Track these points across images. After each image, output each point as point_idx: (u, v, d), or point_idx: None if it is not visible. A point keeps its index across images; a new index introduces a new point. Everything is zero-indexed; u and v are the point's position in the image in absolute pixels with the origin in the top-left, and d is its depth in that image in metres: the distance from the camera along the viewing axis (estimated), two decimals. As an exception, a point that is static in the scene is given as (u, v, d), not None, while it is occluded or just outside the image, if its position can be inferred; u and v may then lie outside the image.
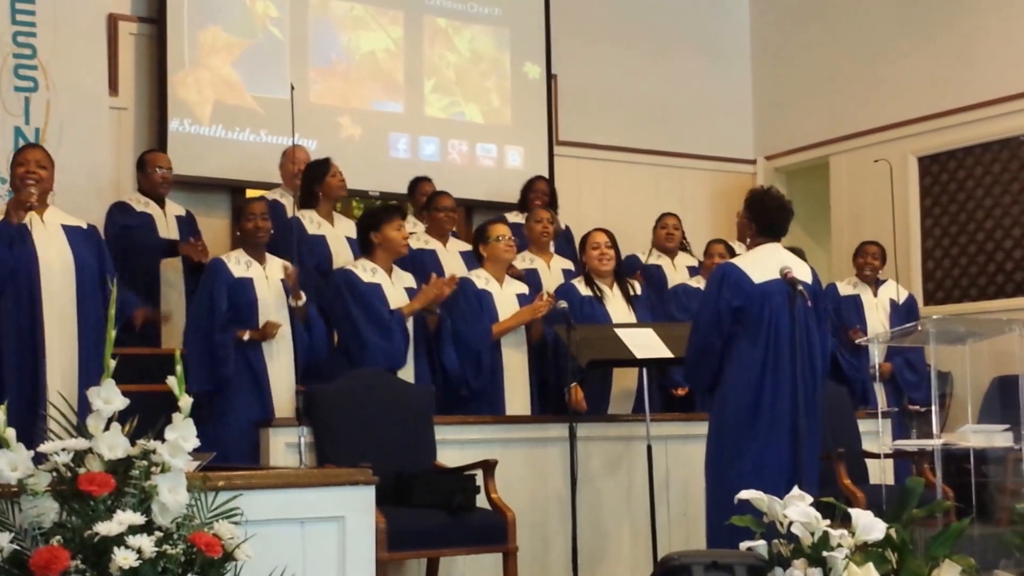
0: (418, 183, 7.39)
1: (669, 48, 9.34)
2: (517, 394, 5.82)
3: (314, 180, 6.31)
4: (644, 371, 5.71)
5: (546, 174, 8.47)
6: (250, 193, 7.09)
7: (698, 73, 9.45)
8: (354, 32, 8.17)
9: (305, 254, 5.89)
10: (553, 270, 6.69)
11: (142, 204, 6.46)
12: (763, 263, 4.83)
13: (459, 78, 8.51)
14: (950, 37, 8.41)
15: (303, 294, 5.42)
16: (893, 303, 7.14)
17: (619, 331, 5.61)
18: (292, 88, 5.71)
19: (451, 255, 6.56)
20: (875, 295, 7.16)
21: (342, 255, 6.15)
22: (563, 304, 5.56)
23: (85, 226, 5.22)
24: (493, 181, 8.32)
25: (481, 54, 8.63)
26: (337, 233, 6.30)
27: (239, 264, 5.44)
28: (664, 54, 9.31)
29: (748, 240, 5.07)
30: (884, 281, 7.25)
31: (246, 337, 5.29)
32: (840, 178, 9.08)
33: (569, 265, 6.79)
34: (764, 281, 4.77)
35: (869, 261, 7.19)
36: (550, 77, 8.76)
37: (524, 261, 6.73)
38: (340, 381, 5.15)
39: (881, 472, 5.86)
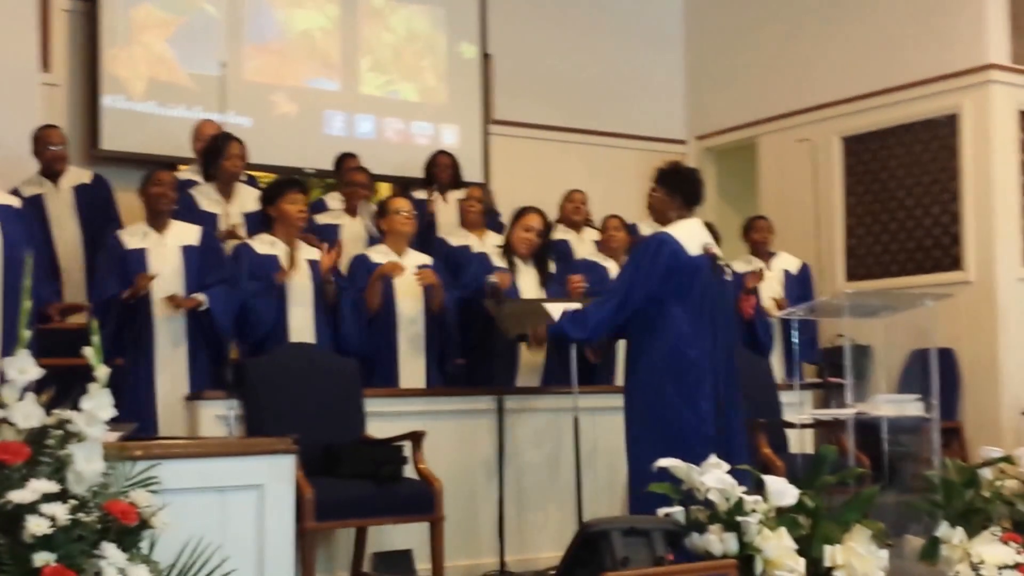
0: (344, 159, 7.41)
1: (603, 29, 9.43)
2: (411, 367, 5.81)
3: (211, 156, 6.24)
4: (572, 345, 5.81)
5: (480, 153, 8.55)
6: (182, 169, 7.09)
7: (631, 54, 9.55)
8: (289, 10, 8.18)
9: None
10: (486, 246, 6.73)
11: (34, 186, 6.36)
12: (692, 237, 4.92)
13: (395, 57, 8.55)
14: (874, 20, 8.57)
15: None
16: (787, 273, 7.32)
17: (546, 304, 5.68)
18: (224, 65, 5.72)
19: (357, 226, 6.57)
20: (768, 268, 7.30)
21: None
22: (492, 279, 5.63)
23: (16, 205, 5.22)
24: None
25: (417, 33, 8.67)
26: (231, 210, 6.19)
27: (134, 236, 5.44)
28: (598, 35, 9.40)
29: (673, 215, 5.09)
30: (775, 254, 7.42)
31: (124, 295, 5.24)
32: (768, 158, 9.23)
33: (501, 241, 6.85)
34: (696, 255, 4.87)
35: (760, 235, 7.34)
36: (485, 57, 8.83)
37: (457, 238, 6.80)
38: (270, 354, 5.22)
39: (800, 441, 6.04)
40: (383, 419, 5.23)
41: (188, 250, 5.45)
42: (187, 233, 5.51)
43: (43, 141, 6.41)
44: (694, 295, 4.83)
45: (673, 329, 4.81)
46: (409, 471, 4.90)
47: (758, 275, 6.88)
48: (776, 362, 6.92)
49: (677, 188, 5.02)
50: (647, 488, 4.61)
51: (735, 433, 4.83)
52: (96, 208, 6.48)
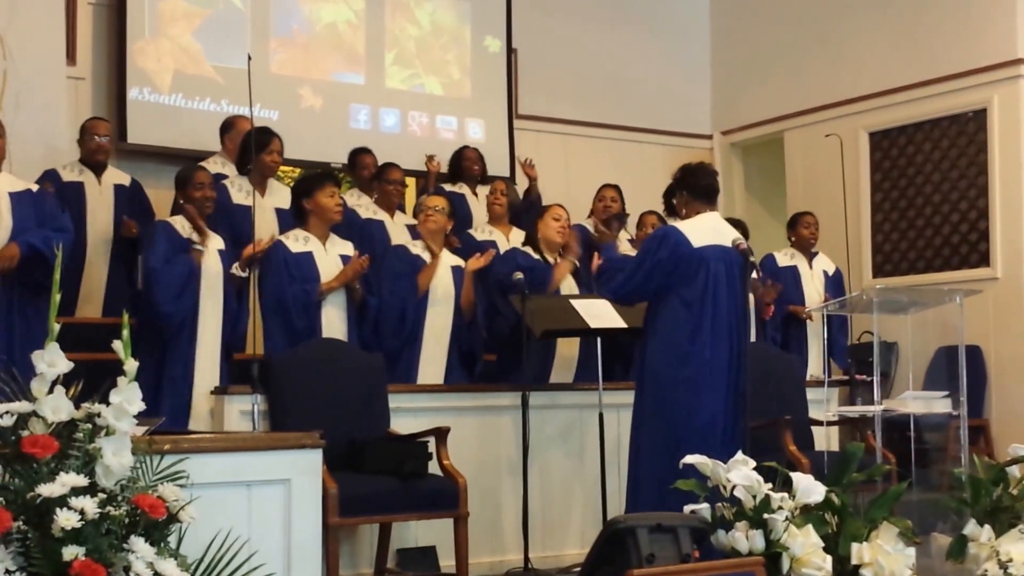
0: (357, 155, 7.36)
1: (628, 23, 9.42)
2: (432, 362, 5.79)
3: (249, 150, 6.19)
4: (598, 340, 5.80)
5: (506, 147, 8.53)
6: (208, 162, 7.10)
7: (657, 49, 9.53)
8: (315, 3, 8.18)
9: (228, 224, 5.88)
10: (512, 242, 6.72)
11: (75, 173, 6.44)
12: (703, 229, 4.97)
13: (420, 51, 8.54)
14: (902, 14, 8.52)
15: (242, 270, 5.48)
16: (826, 274, 7.26)
17: (573, 301, 5.68)
18: (249, 58, 5.71)
19: (398, 226, 6.60)
20: (810, 266, 7.26)
21: (265, 227, 5.99)
22: (519, 275, 5.62)
23: (35, 189, 5.22)
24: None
25: (442, 27, 8.66)
26: (265, 204, 6.19)
27: (184, 229, 5.50)
28: (623, 29, 9.38)
29: (689, 212, 5.12)
30: (816, 253, 7.35)
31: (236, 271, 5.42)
32: (794, 153, 9.20)
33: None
34: (703, 245, 4.90)
35: (811, 231, 7.24)
36: (510, 51, 8.81)
37: (483, 233, 6.79)
38: (295, 350, 5.22)
39: (826, 439, 6.00)
40: (408, 415, 5.23)
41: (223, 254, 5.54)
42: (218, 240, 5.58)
43: (90, 131, 6.51)
44: (698, 287, 4.85)
45: (674, 321, 4.86)
46: (433, 467, 4.89)
47: (774, 288, 6.84)
48: (814, 360, 6.89)
49: (682, 185, 5.11)
50: (640, 478, 4.64)
51: (736, 435, 4.78)
52: (132, 211, 6.52)
